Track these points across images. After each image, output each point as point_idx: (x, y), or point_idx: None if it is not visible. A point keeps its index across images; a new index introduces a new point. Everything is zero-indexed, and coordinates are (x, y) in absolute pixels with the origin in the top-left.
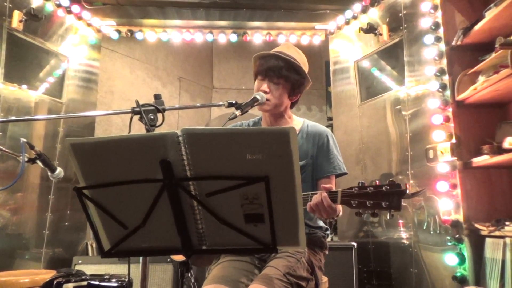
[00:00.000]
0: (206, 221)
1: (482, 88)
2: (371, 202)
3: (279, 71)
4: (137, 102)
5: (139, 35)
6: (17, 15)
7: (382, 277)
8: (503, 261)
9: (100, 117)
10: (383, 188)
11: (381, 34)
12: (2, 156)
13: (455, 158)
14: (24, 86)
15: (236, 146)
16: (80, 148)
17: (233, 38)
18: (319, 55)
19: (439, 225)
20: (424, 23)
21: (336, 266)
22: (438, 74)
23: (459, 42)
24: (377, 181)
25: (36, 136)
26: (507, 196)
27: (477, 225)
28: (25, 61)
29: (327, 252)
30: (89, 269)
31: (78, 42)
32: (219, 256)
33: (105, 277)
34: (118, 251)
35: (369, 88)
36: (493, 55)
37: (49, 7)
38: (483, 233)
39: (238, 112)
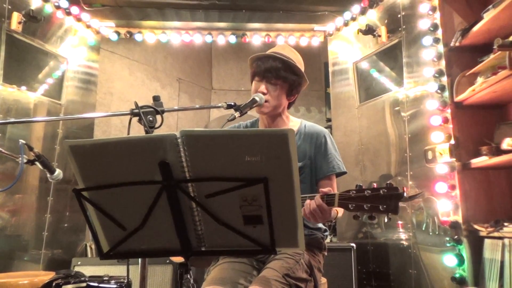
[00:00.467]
0: (205, 223)
1: (480, 89)
2: (369, 205)
3: (277, 72)
4: (136, 103)
5: (138, 37)
6: (16, 17)
7: (381, 278)
8: (502, 262)
9: (99, 119)
10: (381, 191)
11: (379, 36)
12: (1, 157)
13: (454, 159)
14: (23, 88)
15: (235, 147)
16: (79, 150)
17: (232, 39)
18: (318, 57)
19: (438, 226)
20: (423, 24)
21: (335, 267)
22: (436, 75)
23: (457, 44)
24: (375, 184)
25: (35, 137)
26: (505, 197)
27: (476, 226)
28: (24, 62)
29: (326, 254)
30: (88, 270)
31: (77, 44)
32: (218, 257)
33: (104, 278)
34: (117, 252)
35: (368, 89)
36: (492, 56)
37: (48, 8)
38: (482, 234)
39: (237, 114)
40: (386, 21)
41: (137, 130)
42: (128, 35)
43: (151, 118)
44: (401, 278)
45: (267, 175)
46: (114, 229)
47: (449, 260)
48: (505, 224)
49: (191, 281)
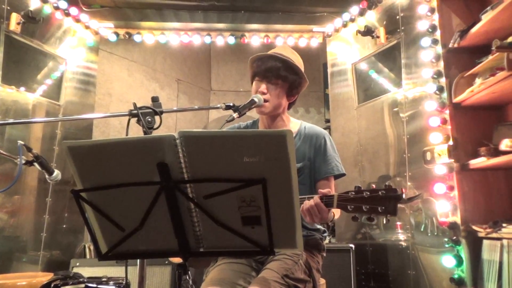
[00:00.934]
0: (204, 224)
1: (479, 90)
2: (367, 206)
3: (277, 71)
4: (134, 104)
5: (137, 38)
6: (15, 18)
7: (380, 279)
8: (500, 263)
9: (98, 120)
10: (379, 192)
11: (378, 37)
12: None
13: (452, 160)
14: (22, 89)
15: (233, 148)
16: (77, 151)
17: (231, 40)
18: (316, 58)
19: (437, 227)
20: (421, 25)
21: (334, 268)
22: (435, 76)
23: (456, 45)
24: (374, 185)
25: (33, 138)
26: (504, 198)
27: (474, 227)
28: (23, 63)
29: (324, 254)
30: (87, 271)
31: (76, 45)
32: (217, 258)
33: (103, 279)
34: (115, 253)
35: (367, 90)
36: (490, 57)
37: (47, 9)
38: (480, 235)
39: (235, 115)
40: (384, 22)
41: (136, 131)
42: (127, 36)
43: (149, 119)
44: (400, 279)
45: (266, 176)
46: (112, 230)
47: (447, 261)
48: (504, 225)
49: (190, 282)
